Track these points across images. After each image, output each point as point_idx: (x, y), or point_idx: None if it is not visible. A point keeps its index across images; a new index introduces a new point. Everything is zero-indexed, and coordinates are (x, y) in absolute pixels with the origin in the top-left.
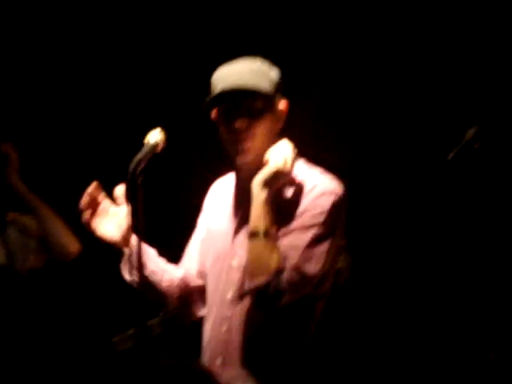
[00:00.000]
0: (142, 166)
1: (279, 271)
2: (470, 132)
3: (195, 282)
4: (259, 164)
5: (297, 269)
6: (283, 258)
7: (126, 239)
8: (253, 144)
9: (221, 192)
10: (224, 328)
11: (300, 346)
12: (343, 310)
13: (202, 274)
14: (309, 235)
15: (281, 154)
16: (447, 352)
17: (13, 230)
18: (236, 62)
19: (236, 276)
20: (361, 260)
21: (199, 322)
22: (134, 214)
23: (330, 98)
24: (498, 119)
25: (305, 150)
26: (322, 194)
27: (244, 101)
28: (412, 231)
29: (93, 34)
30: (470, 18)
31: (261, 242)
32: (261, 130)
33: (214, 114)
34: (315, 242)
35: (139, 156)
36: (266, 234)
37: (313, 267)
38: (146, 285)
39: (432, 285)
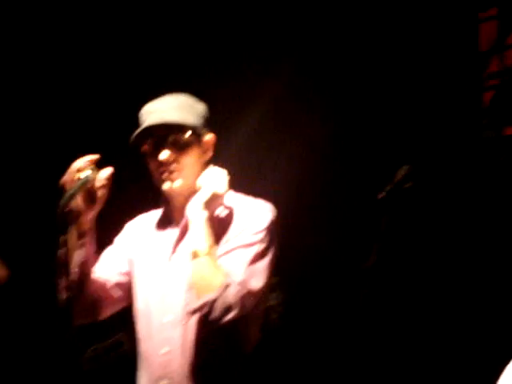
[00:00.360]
0: (71, 199)
1: (226, 287)
2: (401, 172)
3: (111, 291)
4: (187, 195)
5: (243, 284)
6: (227, 275)
7: (88, 219)
8: (179, 175)
9: (147, 224)
10: (164, 350)
11: (238, 366)
12: (276, 346)
13: (119, 287)
14: (251, 252)
15: (215, 177)
16: None
17: None
18: (163, 97)
19: (174, 300)
20: (293, 297)
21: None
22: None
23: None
24: (428, 159)
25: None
26: (260, 214)
27: (170, 134)
28: (343, 268)
29: None
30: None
31: (203, 261)
32: (187, 161)
33: (144, 147)
34: (257, 258)
35: (70, 192)
36: (208, 252)
37: (257, 282)
38: (77, 271)
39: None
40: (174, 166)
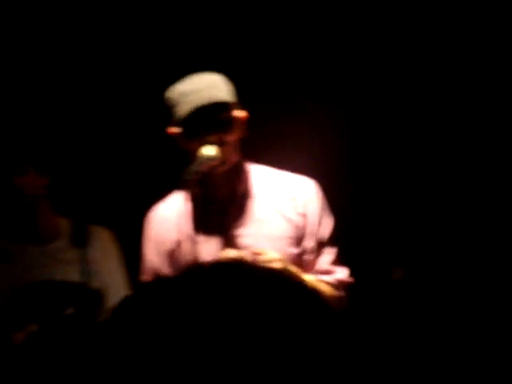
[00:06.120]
0: (196, 177)
1: None
2: None
3: None
4: (226, 172)
5: None
6: None
7: None
8: (226, 155)
9: (177, 208)
10: None
11: None
12: (398, 318)
13: None
14: None
15: None
16: None
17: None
18: (195, 76)
19: None
20: (415, 272)
21: None
22: None
23: None
24: None
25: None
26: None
27: (216, 114)
28: (466, 238)
29: None
30: None
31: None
32: (231, 140)
33: (173, 129)
34: None
35: (194, 167)
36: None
37: None
38: None
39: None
40: (221, 147)
